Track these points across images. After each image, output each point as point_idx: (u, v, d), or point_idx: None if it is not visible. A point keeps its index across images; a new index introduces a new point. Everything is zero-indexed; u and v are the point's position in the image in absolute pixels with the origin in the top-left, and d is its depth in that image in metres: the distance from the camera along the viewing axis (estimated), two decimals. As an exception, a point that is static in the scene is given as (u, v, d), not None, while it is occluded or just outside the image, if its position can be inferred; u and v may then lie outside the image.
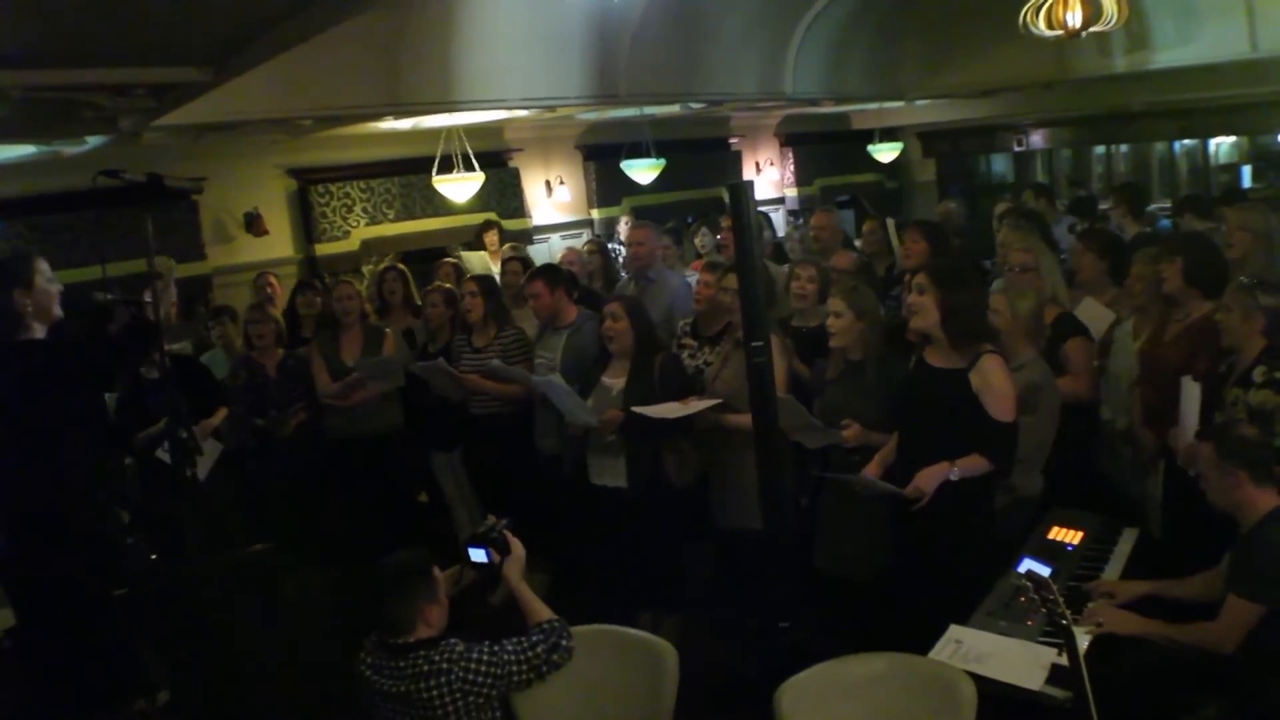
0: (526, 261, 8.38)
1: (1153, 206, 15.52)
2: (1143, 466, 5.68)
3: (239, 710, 5.40)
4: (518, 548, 4.10)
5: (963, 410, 4.58)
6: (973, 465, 4.58)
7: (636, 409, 5.57)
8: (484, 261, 10.43)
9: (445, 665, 3.59)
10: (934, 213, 11.55)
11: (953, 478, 4.54)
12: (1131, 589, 4.29)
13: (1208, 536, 4.25)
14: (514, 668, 3.71)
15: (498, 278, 8.09)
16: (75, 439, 4.84)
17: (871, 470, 4.91)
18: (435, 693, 3.57)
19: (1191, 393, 4.95)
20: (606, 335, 5.85)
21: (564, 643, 3.84)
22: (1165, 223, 14.18)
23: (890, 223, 9.10)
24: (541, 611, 3.96)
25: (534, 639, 3.80)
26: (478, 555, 4.06)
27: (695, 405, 5.64)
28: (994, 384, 4.58)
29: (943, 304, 4.63)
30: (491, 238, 11.01)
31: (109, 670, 5.02)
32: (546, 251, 12.04)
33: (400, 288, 8.20)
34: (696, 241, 10.41)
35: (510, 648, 3.74)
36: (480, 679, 3.63)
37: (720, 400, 5.68)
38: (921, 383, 4.80)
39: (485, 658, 3.67)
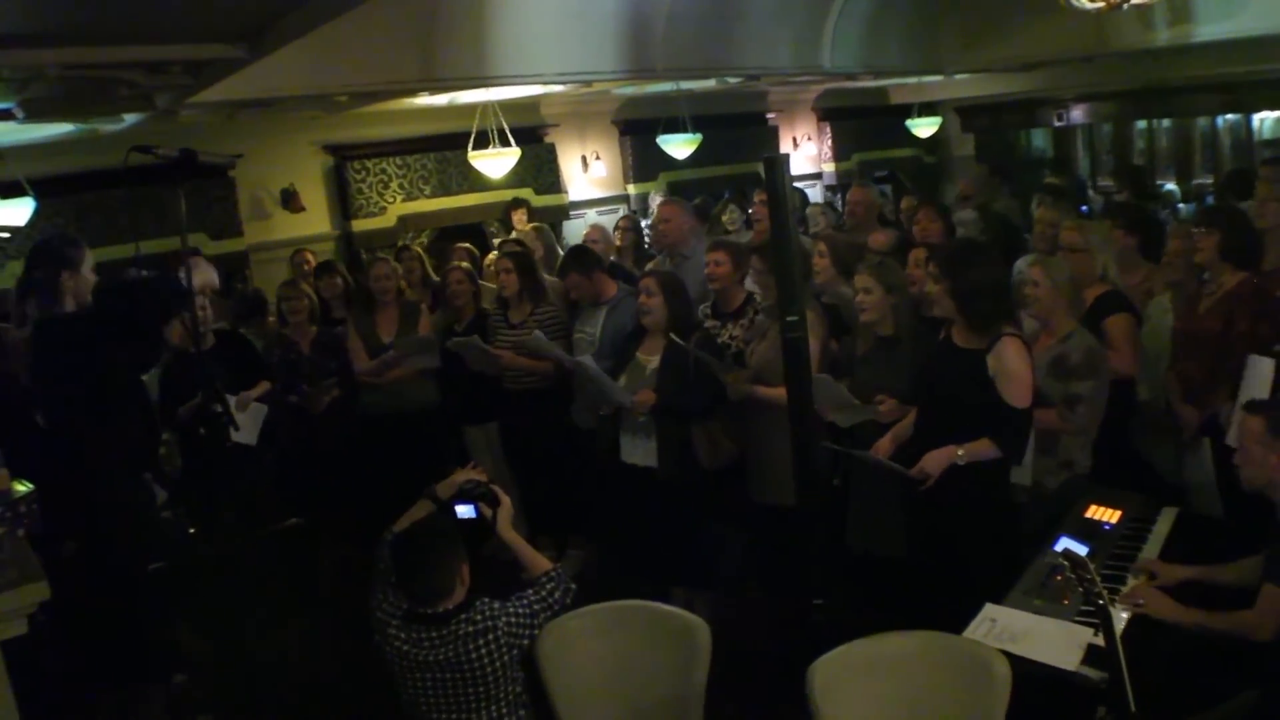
0: (521, 259, 8.21)
1: (1195, 181, 15.42)
2: (1184, 446, 5.63)
3: (273, 686, 5.44)
4: (505, 499, 4.16)
5: (978, 392, 4.55)
6: (980, 450, 4.54)
7: (676, 338, 5.61)
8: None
9: (490, 623, 3.67)
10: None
11: (959, 462, 4.51)
12: (1174, 573, 4.22)
13: (1265, 513, 4.17)
14: (541, 616, 3.84)
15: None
16: (111, 413, 4.87)
17: (884, 446, 4.89)
18: (484, 650, 3.65)
19: (1260, 368, 4.89)
20: (641, 309, 5.84)
21: (571, 586, 3.98)
22: (1209, 199, 14.08)
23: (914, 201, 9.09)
24: (540, 560, 4.11)
25: (548, 585, 3.92)
26: (465, 512, 4.09)
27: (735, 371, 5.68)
28: (1010, 368, 4.53)
29: (954, 290, 4.59)
30: (520, 217, 11.01)
31: (144, 644, 5.06)
32: (582, 227, 12.03)
33: (418, 267, 8.24)
34: (725, 219, 10.36)
35: (532, 596, 3.86)
36: (521, 629, 3.74)
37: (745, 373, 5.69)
38: (943, 361, 4.78)
39: (521, 609, 3.78)
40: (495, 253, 8.95)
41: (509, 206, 11.19)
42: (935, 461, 4.53)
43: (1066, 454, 5.03)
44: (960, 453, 4.52)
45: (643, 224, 10.53)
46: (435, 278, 8.33)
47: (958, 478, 4.52)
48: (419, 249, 9.05)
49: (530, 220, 10.92)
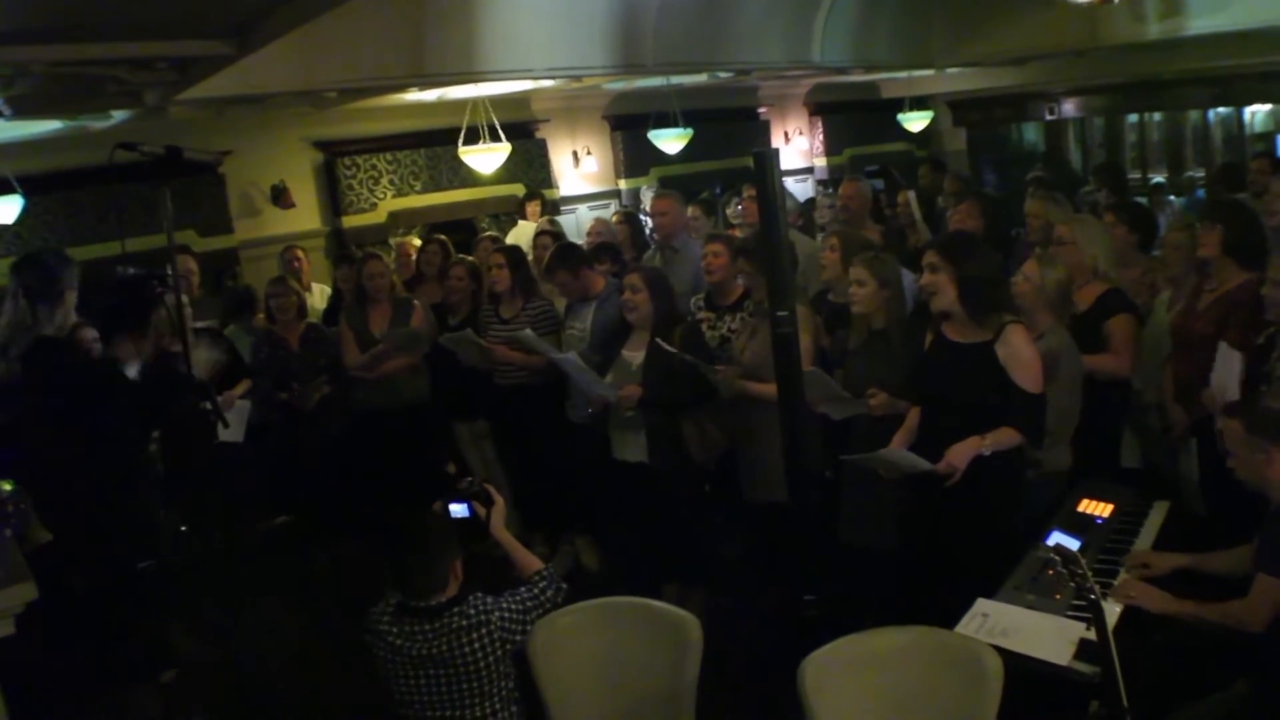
0: (560, 236, 8.34)
1: (1186, 174, 15.43)
2: (1175, 443, 5.62)
3: (266, 683, 5.42)
4: (499, 499, 4.15)
5: (990, 383, 4.53)
6: (1004, 438, 4.52)
7: (660, 342, 5.58)
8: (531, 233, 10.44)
9: (483, 617, 3.66)
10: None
11: (985, 453, 4.48)
12: (1167, 561, 4.23)
13: (1249, 512, 4.17)
14: (533, 613, 3.83)
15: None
16: (102, 414, 4.85)
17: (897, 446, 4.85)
18: (477, 645, 3.64)
19: (1230, 361, 4.88)
20: (626, 306, 5.83)
21: (562, 585, 3.98)
22: (1200, 192, 14.10)
23: (911, 195, 9.03)
24: (532, 559, 4.09)
25: (540, 584, 3.91)
26: (459, 511, 4.07)
27: (720, 368, 5.66)
28: (1021, 355, 4.53)
29: (958, 279, 4.57)
30: (534, 208, 11.01)
31: (135, 643, 5.04)
32: (574, 222, 12.03)
33: (439, 260, 8.21)
34: (729, 211, 10.35)
35: (524, 593, 3.85)
36: (514, 624, 3.73)
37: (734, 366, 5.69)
38: (942, 358, 4.74)
39: (514, 605, 3.77)
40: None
41: (523, 199, 11.22)
42: (961, 454, 4.47)
43: (1032, 452, 4.99)
44: (986, 443, 4.49)
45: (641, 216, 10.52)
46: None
47: (978, 469, 4.50)
48: (443, 237, 8.96)
49: (544, 212, 10.94)
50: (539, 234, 8.63)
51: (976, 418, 4.55)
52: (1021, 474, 4.77)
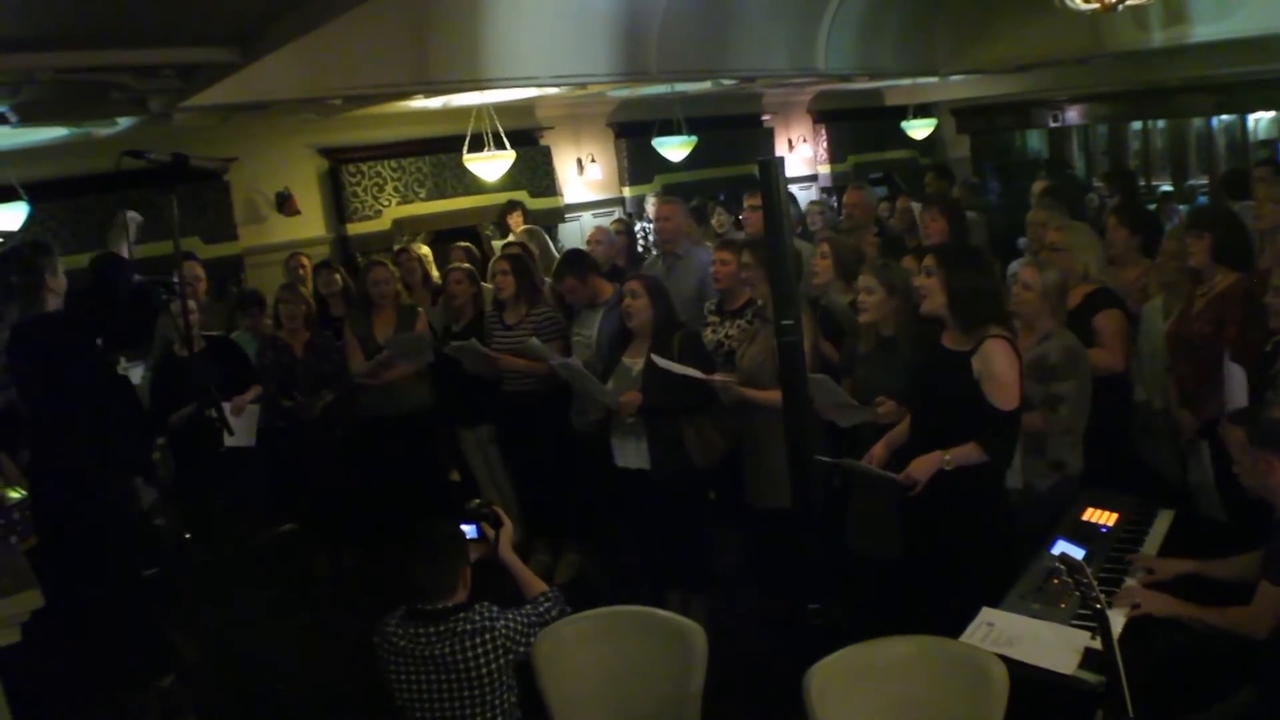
0: (519, 261, 7.86)
1: (1189, 182, 15.42)
2: (1184, 449, 5.62)
3: (266, 690, 5.42)
4: (507, 521, 4.19)
5: (964, 394, 4.52)
6: (966, 455, 4.51)
7: (656, 357, 5.56)
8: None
9: (487, 623, 3.68)
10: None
11: (945, 467, 4.50)
12: (1172, 566, 4.23)
13: (1265, 515, 4.16)
14: (537, 628, 3.86)
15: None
16: (102, 420, 4.85)
17: (878, 452, 4.88)
18: (481, 650, 3.64)
19: (1235, 374, 4.89)
20: (625, 312, 5.83)
21: (567, 608, 4.01)
22: (1202, 199, 14.12)
23: (915, 205, 9.05)
24: (537, 582, 4.13)
25: (545, 604, 3.95)
26: (468, 532, 4.08)
27: (717, 376, 5.64)
28: (995, 370, 4.48)
29: (949, 285, 4.58)
30: (516, 219, 10.99)
31: (137, 650, 5.04)
32: (578, 229, 12.02)
33: (418, 269, 8.23)
34: (714, 222, 10.35)
35: (529, 609, 3.89)
36: (518, 635, 3.75)
37: (732, 377, 5.68)
38: (934, 365, 4.75)
39: (520, 618, 3.80)
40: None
41: (504, 209, 11.18)
42: (922, 467, 4.51)
43: (1055, 454, 5.01)
44: (947, 458, 4.49)
45: (637, 226, 10.47)
46: (437, 278, 8.31)
47: (951, 482, 4.50)
48: (420, 250, 9.00)
49: (526, 222, 10.92)
50: (506, 245, 8.63)
51: (953, 427, 4.56)
52: (1000, 487, 4.76)
